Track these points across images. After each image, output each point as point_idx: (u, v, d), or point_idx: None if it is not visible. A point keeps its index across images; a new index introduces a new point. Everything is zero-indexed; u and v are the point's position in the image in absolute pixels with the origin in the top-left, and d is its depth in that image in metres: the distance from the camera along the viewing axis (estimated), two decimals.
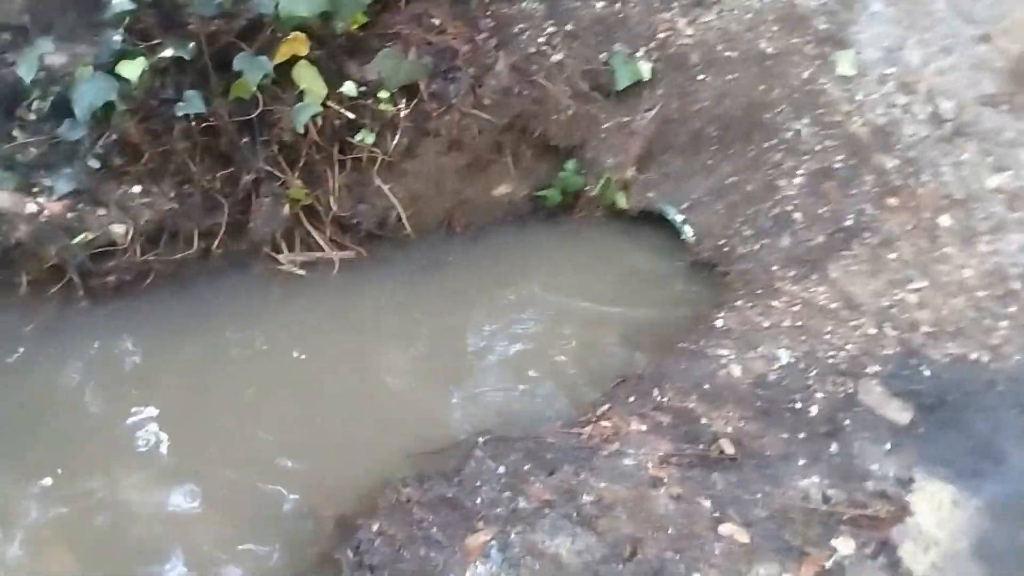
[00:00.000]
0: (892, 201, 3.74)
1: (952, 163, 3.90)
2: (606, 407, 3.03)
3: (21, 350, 3.31)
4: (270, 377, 3.38)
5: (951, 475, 2.73)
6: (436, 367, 3.49)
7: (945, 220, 3.65)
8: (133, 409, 3.21)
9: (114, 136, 3.46)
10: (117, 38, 3.46)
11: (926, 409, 2.94)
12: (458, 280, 3.89)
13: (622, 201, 4.23)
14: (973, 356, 3.10)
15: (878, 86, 4.22)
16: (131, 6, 3.42)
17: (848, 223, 3.74)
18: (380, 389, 3.34)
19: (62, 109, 3.41)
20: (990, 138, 4.01)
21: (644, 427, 2.90)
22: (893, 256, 3.53)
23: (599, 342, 3.64)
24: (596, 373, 3.50)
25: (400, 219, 3.90)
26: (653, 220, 4.22)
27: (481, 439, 2.92)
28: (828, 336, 3.23)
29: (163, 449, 3.09)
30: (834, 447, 2.84)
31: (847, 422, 2.92)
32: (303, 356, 3.47)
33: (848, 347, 3.18)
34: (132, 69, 3.36)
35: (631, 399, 3.07)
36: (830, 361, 3.13)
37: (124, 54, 3.42)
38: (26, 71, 3.30)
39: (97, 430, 3.14)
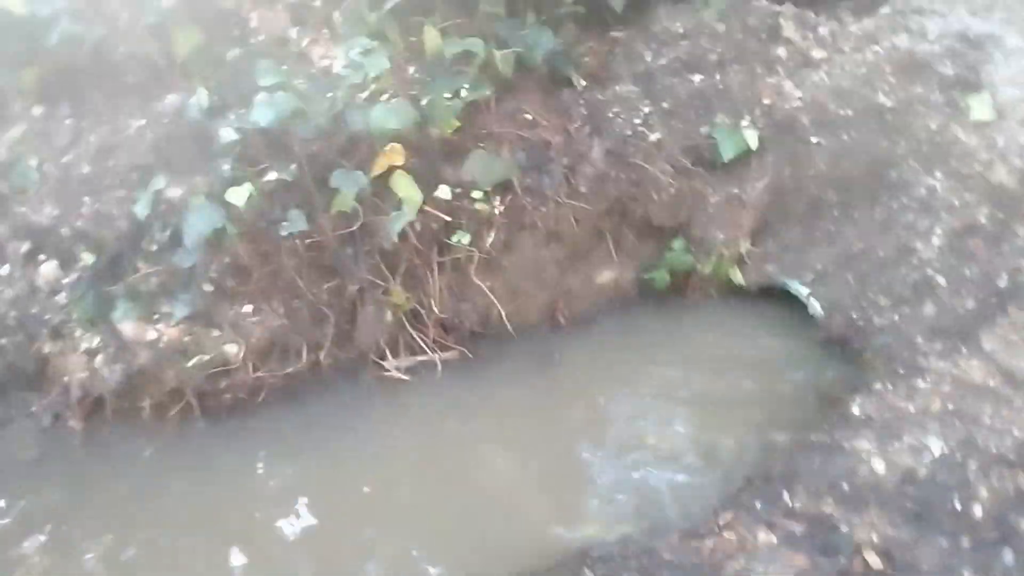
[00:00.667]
0: None
1: None
2: (730, 515, 2.71)
3: (143, 472, 3.42)
4: (375, 486, 3.30)
5: None
6: (544, 472, 3.29)
7: None
8: (255, 521, 3.21)
9: (226, 259, 3.61)
10: (226, 167, 3.66)
11: None
12: (565, 376, 3.73)
13: (738, 277, 3.96)
14: None
15: (1021, 128, 3.77)
16: (236, 136, 3.61)
17: (1002, 284, 3.29)
18: (484, 499, 3.17)
19: (180, 239, 3.62)
20: None
21: (774, 538, 2.56)
22: None
23: (722, 438, 3.32)
24: (720, 472, 3.18)
25: (501, 315, 3.81)
26: (775, 296, 3.91)
27: (589, 559, 2.67)
28: (988, 420, 2.77)
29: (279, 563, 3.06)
30: (1008, 557, 2.38)
31: (1022, 524, 2.44)
32: (410, 461, 3.40)
33: (1015, 431, 2.71)
34: (239, 195, 3.53)
35: (758, 504, 2.74)
36: (993, 450, 2.67)
37: (232, 181, 3.60)
38: (141, 208, 3.55)
39: (220, 547, 3.15)
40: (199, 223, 3.46)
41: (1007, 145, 3.71)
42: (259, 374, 3.67)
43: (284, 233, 3.58)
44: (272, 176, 3.66)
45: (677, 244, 3.98)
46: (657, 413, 3.53)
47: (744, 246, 3.91)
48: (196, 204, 3.52)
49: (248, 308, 3.70)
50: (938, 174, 3.73)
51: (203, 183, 3.68)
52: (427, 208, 3.71)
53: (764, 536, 2.60)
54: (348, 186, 3.57)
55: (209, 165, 3.72)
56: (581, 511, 3.09)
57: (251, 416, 3.64)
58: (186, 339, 3.54)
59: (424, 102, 3.74)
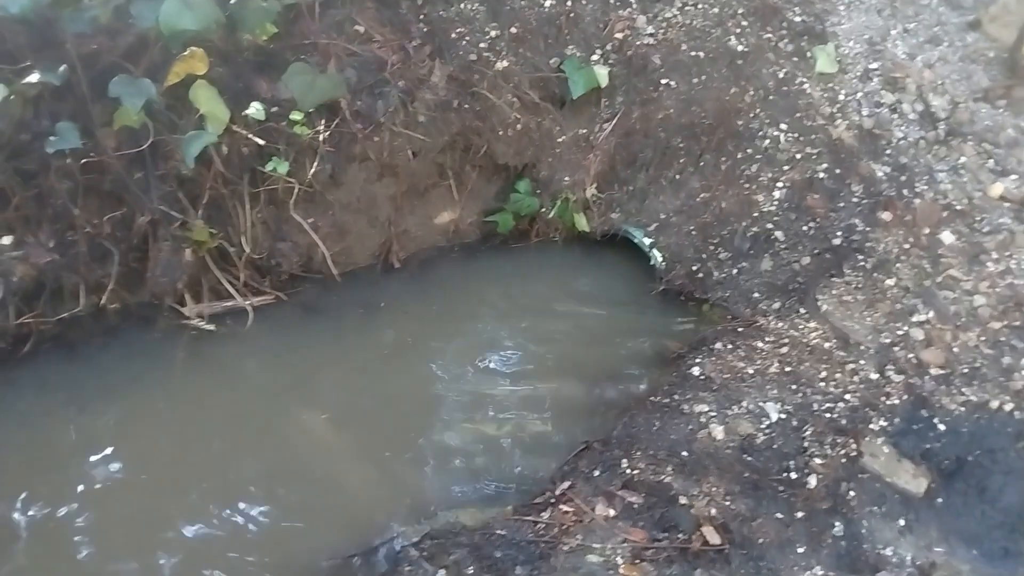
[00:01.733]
0: (885, 215, 3.29)
1: (949, 168, 3.47)
2: (567, 485, 2.54)
3: None
4: (172, 456, 2.84)
5: (979, 558, 2.27)
6: (371, 434, 2.96)
7: (947, 236, 3.21)
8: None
9: None
10: None
11: (944, 473, 2.49)
12: (393, 325, 3.38)
13: (583, 223, 3.75)
14: (994, 404, 2.65)
15: (862, 84, 3.78)
16: None
17: (837, 242, 3.29)
18: (302, 467, 2.81)
19: None
20: (989, 138, 3.59)
21: (612, 511, 2.41)
22: (891, 282, 3.09)
23: (562, 392, 3.14)
24: (557, 432, 3.00)
25: (325, 257, 3.38)
26: (619, 243, 3.74)
27: (415, 536, 2.40)
28: (823, 383, 2.77)
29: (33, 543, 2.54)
30: (839, 527, 2.37)
31: (852, 494, 2.45)
32: (211, 428, 2.94)
33: (847, 396, 2.72)
34: None
35: (596, 472, 2.58)
36: (828, 416, 2.66)
37: None
38: None
39: None
40: None
41: (847, 99, 3.71)
42: (25, 319, 3.03)
43: (51, 150, 2.92)
44: (35, 78, 2.94)
45: (522, 185, 3.70)
46: (491, 366, 3.29)
47: (590, 191, 3.69)
48: None
49: (7, 240, 3.02)
50: (783, 125, 3.67)
51: None
52: (236, 128, 3.16)
53: (602, 508, 2.45)
54: (133, 96, 2.95)
55: None
56: (403, 478, 2.82)
57: (17, 368, 3.01)
58: None
59: (233, 0, 3.14)
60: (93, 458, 2.89)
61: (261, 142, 3.19)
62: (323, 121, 3.30)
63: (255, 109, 3.16)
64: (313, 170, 3.29)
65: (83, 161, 3.02)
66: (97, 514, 2.69)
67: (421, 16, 3.68)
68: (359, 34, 3.51)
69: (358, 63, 3.44)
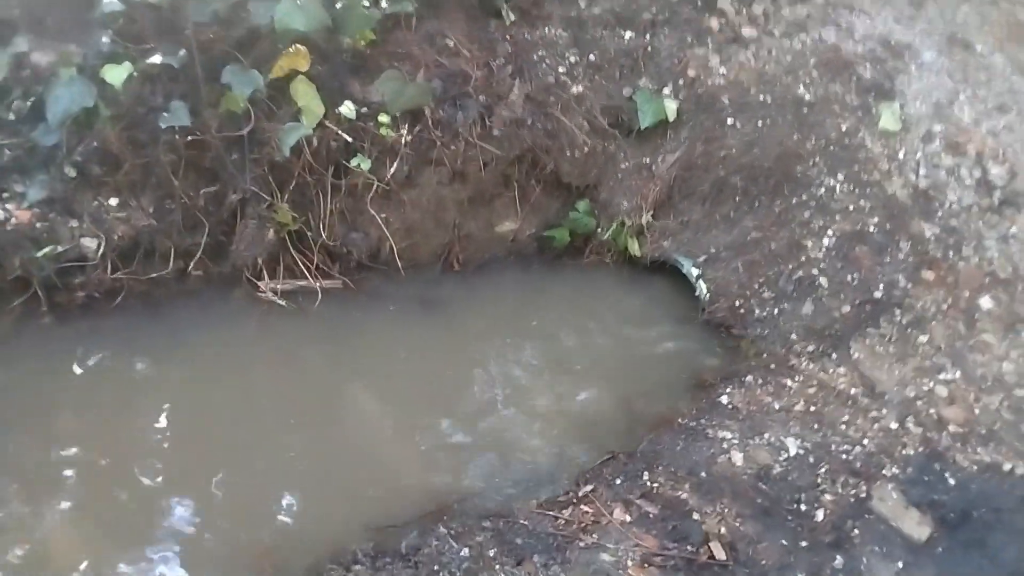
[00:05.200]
0: (928, 275, 3.41)
1: (998, 237, 3.56)
2: (589, 488, 2.74)
3: None
4: (230, 416, 3.12)
5: None
6: (416, 419, 3.21)
7: (986, 302, 3.31)
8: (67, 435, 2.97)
9: (94, 143, 3.24)
10: (105, 40, 3.26)
11: (947, 524, 2.62)
12: (451, 321, 3.62)
13: (635, 248, 3.94)
14: (1007, 466, 2.76)
15: (923, 144, 3.89)
16: (121, 7, 3.20)
17: (878, 295, 3.42)
18: (348, 441, 3.07)
19: (43, 112, 3.20)
20: None
21: (628, 517, 2.61)
22: (924, 339, 3.21)
23: (596, 404, 3.34)
24: (589, 439, 3.20)
25: (393, 251, 3.64)
26: (667, 271, 3.93)
27: (447, 515, 2.63)
28: (844, 427, 2.91)
29: (86, 491, 2.83)
30: (839, 561, 2.52)
31: (856, 532, 2.60)
32: (272, 394, 3.22)
33: (865, 442, 2.86)
34: (117, 74, 3.15)
35: (618, 480, 2.78)
36: (844, 457, 2.81)
37: (111, 58, 3.20)
38: None
39: (29, 458, 2.89)
40: (66, 98, 3.07)
41: (906, 158, 3.82)
42: (118, 275, 3.36)
43: (163, 125, 3.24)
44: (157, 59, 3.28)
45: (582, 205, 3.91)
46: (536, 372, 3.50)
47: (646, 217, 3.88)
48: (66, 76, 3.12)
49: (114, 201, 3.36)
50: (840, 176, 3.80)
51: (76, 54, 3.26)
52: (327, 124, 3.44)
53: (619, 513, 2.64)
54: (242, 85, 3.25)
55: (86, 35, 3.29)
56: (443, 464, 3.04)
57: (105, 318, 3.34)
58: (39, 225, 3.18)
59: (339, 6, 3.43)
60: (163, 406, 3.19)
61: (349, 139, 3.47)
62: (407, 125, 3.56)
63: (347, 108, 3.44)
64: (392, 170, 3.55)
65: (189, 138, 3.34)
66: (158, 458, 2.97)
67: (507, 36, 3.93)
68: (448, 48, 3.77)
69: (445, 75, 3.69)
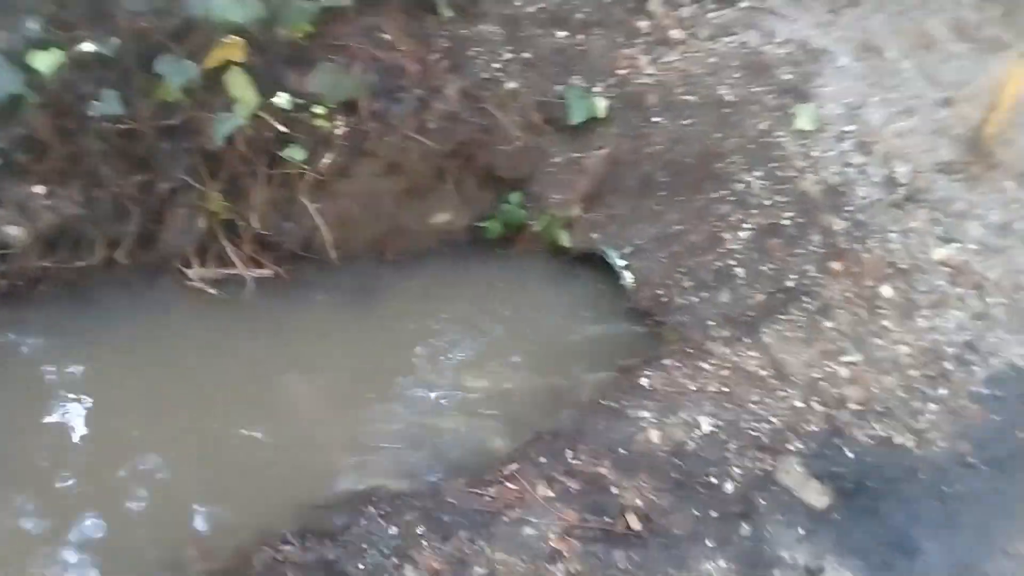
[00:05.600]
0: (836, 265, 3.63)
1: (901, 230, 3.81)
2: (515, 467, 2.86)
3: None
4: (158, 403, 3.15)
5: (862, 568, 2.60)
6: (346, 404, 3.29)
7: (887, 290, 3.55)
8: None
9: (20, 130, 3.23)
10: (33, 26, 3.24)
11: (845, 494, 2.82)
12: (383, 310, 3.70)
13: (565, 239, 4.08)
14: (898, 440, 2.98)
15: (835, 143, 4.12)
16: None
17: (789, 284, 3.62)
18: (278, 428, 3.12)
19: None
20: (941, 207, 3.93)
21: (551, 493, 2.74)
22: (830, 324, 3.42)
23: (524, 389, 3.46)
24: (516, 421, 3.32)
25: (326, 241, 3.70)
26: (595, 262, 4.07)
27: (375, 496, 2.72)
28: (753, 406, 3.09)
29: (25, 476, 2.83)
30: (745, 529, 2.70)
31: (762, 503, 2.78)
32: (200, 382, 3.25)
33: (773, 420, 3.05)
34: (46, 60, 3.16)
35: (542, 459, 2.90)
36: (752, 433, 2.99)
37: (39, 44, 3.20)
38: None
39: None
40: None
41: (819, 157, 4.05)
42: (44, 263, 3.35)
43: (95, 114, 3.24)
44: (88, 47, 3.28)
45: (514, 198, 4.03)
46: (465, 359, 3.61)
47: (575, 210, 4.02)
48: None
49: (40, 189, 3.34)
50: (757, 172, 4.00)
51: (2, 39, 3.23)
52: (262, 114, 3.48)
53: (543, 489, 2.76)
54: (175, 75, 3.28)
55: (12, 20, 3.27)
56: (373, 447, 3.13)
57: (28, 306, 3.32)
58: None
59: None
60: (89, 394, 3.19)
61: (284, 130, 3.51)
62: (342, 117, 3.62)
63: (282, 99, 3.49)
64: (326, 160, 3.61)
65: (120, 127, 3.34)
66: (84, 447, 2.99)
67: (444, 32, 4.03)
68: (386, 41, 3.84)
69: (381, 68, 3.77)
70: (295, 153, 3.52)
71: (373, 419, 3.25)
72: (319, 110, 3.57)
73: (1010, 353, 3.37)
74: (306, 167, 3.57)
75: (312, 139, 3.59)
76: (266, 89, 3.50)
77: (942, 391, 3.17)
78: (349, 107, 3.67)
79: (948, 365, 3.27)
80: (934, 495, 2.82)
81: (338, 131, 3.62)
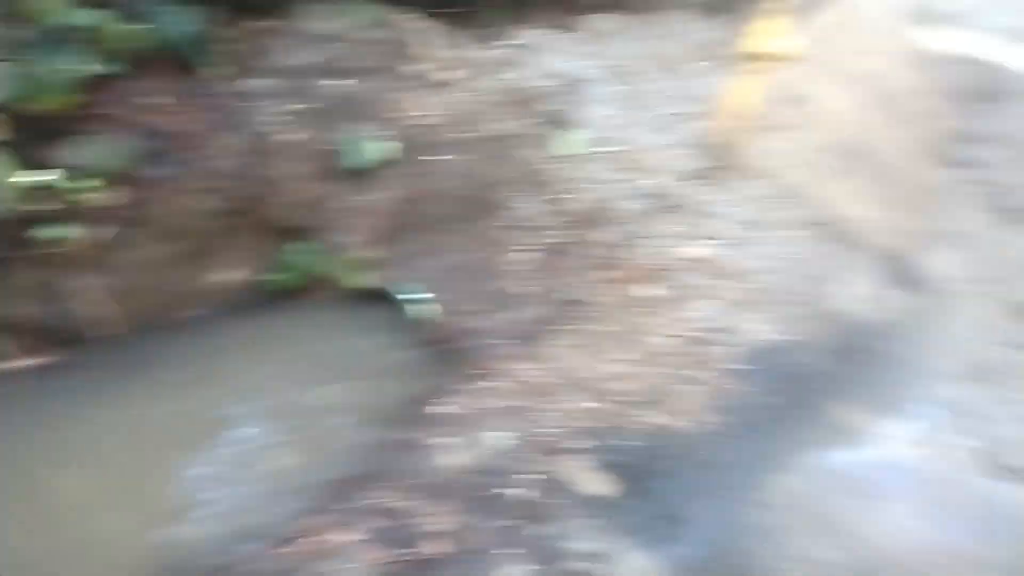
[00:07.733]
0: (604, 275, 4.01)
1: (658, 236, 4.25)
2: (314, 518, 2.92)
3: None
4: None
5: (640, 543, 2.90)
6: (128, 484, 3.13)
7: (653, 291, 3.96)
8: None
9: None
10: None
11: (628, 480, 3.13)
12: (162, 381, 3.55)
13: (354, 281, 4.18)
14: (673, 423, 3.35)
15: (597, 164, 4.53)
16: None
17: (563, 297, 3.95)
18: (58, 520, 2.94)
19: None
20: (692, 211, 4.43)
21: (354, 537, 2.83)
22: (607, 328, 3.77)
23: (316, 434, 3.44)
24: (311, 472, 3.28)
25: (100, 319, 3.59)
26: (385, 300, 4.20)
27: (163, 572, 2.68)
28: (543, 415, 3.35)
29: None
30: (547, 530, 2.93)
31: (553, 502, 3.03)
32: None
33: (562, 425, 3.32)
34: None
35: (343, 504, 2.99)
36: (542, 440, 3.24)
37: None
38: None
39: None
40: None
41: (584, 178, 4.44)
42: None
43: None
44: None
45: (300, 247, 4.09)
46: (256, 418, 3.49)
47: (366, 252, 4.15)
48: None
49: None
50: (529, 198, 4.33)
51: None
52: (16, 191, 3.35)
53: (343, 536, 2.85)
54: None
55: None
56: (159, 523, 3.01)
57: None
58: None
59: (37, 72, 3.37)
60: None
61: (47, 207, 3.39)
62: (116, 187, 3.54)
63: (41, 174, 3.36)
64: (98, 233, 3.51)
65: None
66: None
67: (219, 90, 4.03)
68: (158, 106, 3.80)
69: (153, 133, 3.72)
70: (60, 229, 3.41)
71: (159, 494, 3.11)
72: (87, 184, 3.48)
73: (758, 330, 3.87)
74: (73, 242, 3.46)
75: (81, 213, 3.49)
76: (28, 165, 3.38)
77: (706, 373, 3.59)
78: (122, 177, 3.60)
79: (709, 349, 3.70)
80: (701, 466, 3.20)
81: (111, 202, 3.54)
